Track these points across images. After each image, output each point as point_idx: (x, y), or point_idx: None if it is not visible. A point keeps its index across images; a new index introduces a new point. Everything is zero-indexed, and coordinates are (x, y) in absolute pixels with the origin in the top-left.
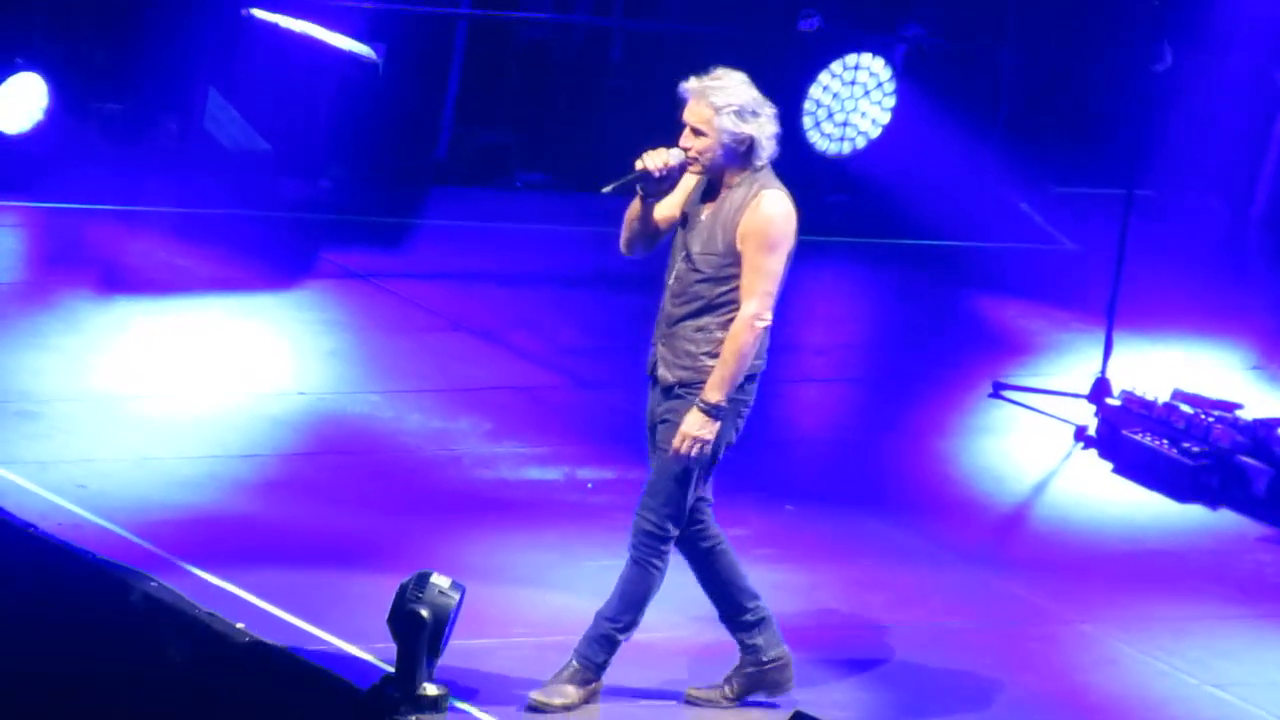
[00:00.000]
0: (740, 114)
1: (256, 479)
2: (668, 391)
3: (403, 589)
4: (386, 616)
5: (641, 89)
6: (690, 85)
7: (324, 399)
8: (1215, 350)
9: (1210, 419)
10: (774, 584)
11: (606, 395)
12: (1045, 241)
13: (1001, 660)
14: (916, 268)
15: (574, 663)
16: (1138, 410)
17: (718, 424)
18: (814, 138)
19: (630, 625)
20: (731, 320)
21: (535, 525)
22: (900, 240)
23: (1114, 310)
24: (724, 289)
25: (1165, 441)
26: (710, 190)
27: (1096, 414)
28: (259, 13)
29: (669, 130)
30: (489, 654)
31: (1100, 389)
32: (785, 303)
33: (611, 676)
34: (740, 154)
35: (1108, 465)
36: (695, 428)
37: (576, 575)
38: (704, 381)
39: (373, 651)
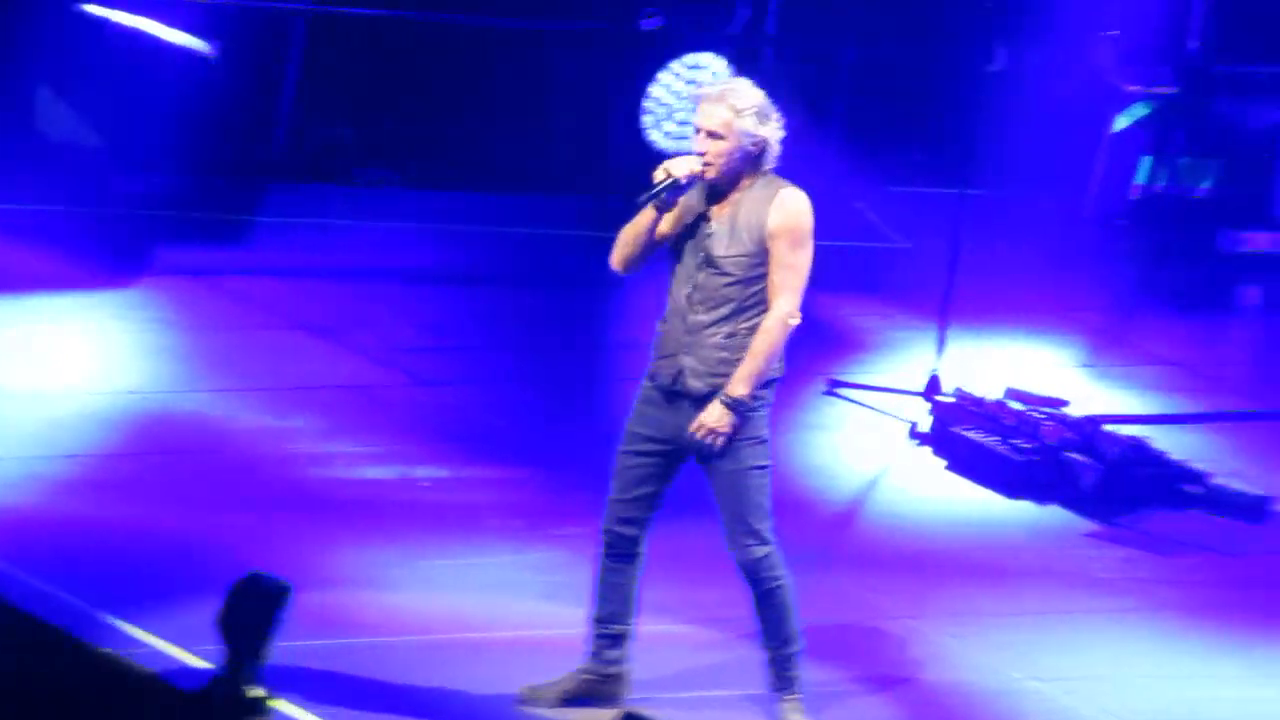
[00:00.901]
0: (759, 116)
1: (83, 479)
2: (703, 402)
3: (231, 590)
4: (214, 618)
5: (483, 86)
6: (707, 90)
7: (154, 398)
8: (1047, 348)
9: (1040, 416)
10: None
11: (444, 393)
12: (880, 240)
13: (831, 655)
14: None
15: (780, 702)
16: (970, 407)
17: (735, 419)
18: (655, 137)
19: (795, 636)
20: (757, 323)
21: (370, 524)
22: None
23: (947, 308)
24: (753, 290)
25: (996, 438)
26: (715, 195)
27: (929, 411)
28: (91, 8)
29: (513, 128)
30: (321, 655)
31: (933, 386)
32: (626, 299)
33: (452, 678)
34: (754, 156)
35: (940, 462)
36: (714, 419)
37: (411, 575)
38: None
39: (200, 653)
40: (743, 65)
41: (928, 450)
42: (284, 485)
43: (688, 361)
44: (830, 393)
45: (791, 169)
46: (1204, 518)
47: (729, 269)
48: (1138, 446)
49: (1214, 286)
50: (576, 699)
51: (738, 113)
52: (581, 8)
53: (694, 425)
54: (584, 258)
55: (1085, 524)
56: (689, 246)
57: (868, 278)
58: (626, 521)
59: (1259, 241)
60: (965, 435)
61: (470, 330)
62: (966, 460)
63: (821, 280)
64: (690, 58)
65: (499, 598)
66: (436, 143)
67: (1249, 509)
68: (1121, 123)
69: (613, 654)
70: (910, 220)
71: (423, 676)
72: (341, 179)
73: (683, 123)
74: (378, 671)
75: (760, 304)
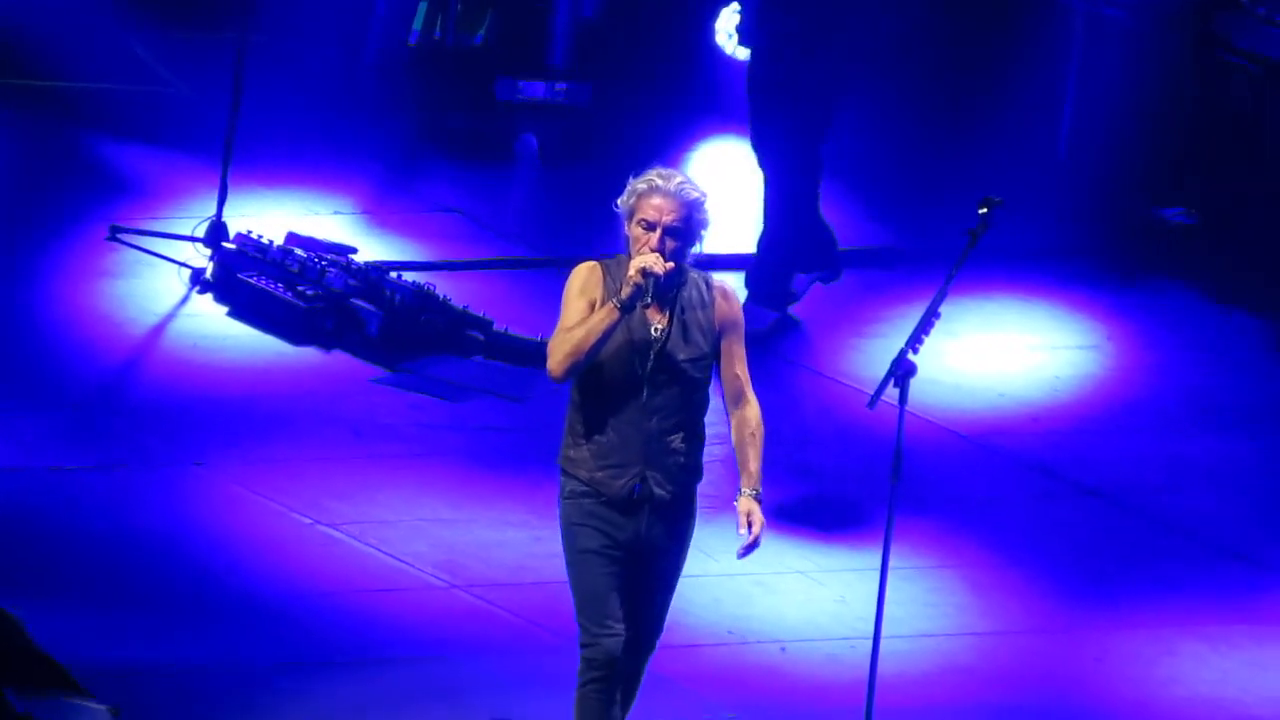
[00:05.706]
0: (708, 205)
1: None
2: (665, 510)
3: None
4: None
5: None
6: (665, 184)
7: None
8: (330, 195)
9: (324, 262)
10: None
11: None
12: (160, 84)
13: (117, 500)
14: (31, 109)
15: None
16: (253, 254)
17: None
18: None
19: None
20: (700, 422)
21: None
22: (14, 80)
23: (230, 155)
24: (705, 389)
25: (280, 284)
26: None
27: (212, 258)
28: None
29: None
30: None
31: (216, 233)
32: None
33: None
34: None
35: (224, 308)
36: (760, 515)
37: None
38: (695, 486)
39: None
40: None
41: (211, 297)
42: None
43: (650, 473)
44: (113, 239)
45: (70, 8)
46: (485, 363)
47: (691, 373)
48: (421, 293)
49: (493, 135)
50: None
51: (698, 207)
52: None
53: (758, 527)
54: None
55: (371, 370)
56: (631, 350)
57: (148, 122)
58: (619, 638)
59: (535, 90)
60: (249, 282)
61: None
62: (251, 307)
63: (102, 123)
64: None
65: None
66: None
67: (528, 354)
68: None
69: None
70: (190, 65)
71: None
72: None
73: None
74: None
75: (705, 401)
